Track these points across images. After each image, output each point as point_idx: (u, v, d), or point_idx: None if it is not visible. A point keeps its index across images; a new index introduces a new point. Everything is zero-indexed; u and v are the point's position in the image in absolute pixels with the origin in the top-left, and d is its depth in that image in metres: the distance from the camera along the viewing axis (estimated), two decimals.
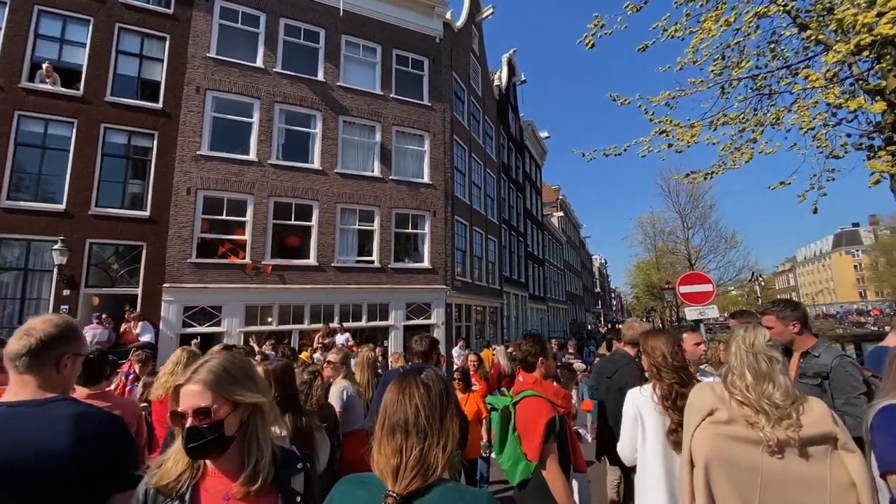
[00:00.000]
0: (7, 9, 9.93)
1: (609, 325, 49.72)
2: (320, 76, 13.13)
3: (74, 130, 10.29)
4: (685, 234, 27.52)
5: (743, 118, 6.33)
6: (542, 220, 29.72)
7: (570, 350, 10.40)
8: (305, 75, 12.89)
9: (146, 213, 10.76)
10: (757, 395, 1.37)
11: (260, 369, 2.05)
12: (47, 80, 10.18)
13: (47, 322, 1.46)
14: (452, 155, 15.24)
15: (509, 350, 7.85)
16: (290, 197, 12.26)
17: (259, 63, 12.38)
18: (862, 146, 5.96)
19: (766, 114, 6.23)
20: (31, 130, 10.02)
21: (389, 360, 8.35)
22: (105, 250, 10.48)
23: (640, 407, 2.37)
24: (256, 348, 9.35)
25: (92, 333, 9.16)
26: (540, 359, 2.57)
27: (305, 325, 11.94)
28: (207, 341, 10.33)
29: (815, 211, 6.17)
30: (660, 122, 6.56)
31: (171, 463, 1.23)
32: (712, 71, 6.25)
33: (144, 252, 10.66)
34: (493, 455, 3.54)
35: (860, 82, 5.47)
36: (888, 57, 4.73)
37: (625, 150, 6.95)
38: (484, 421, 4.60)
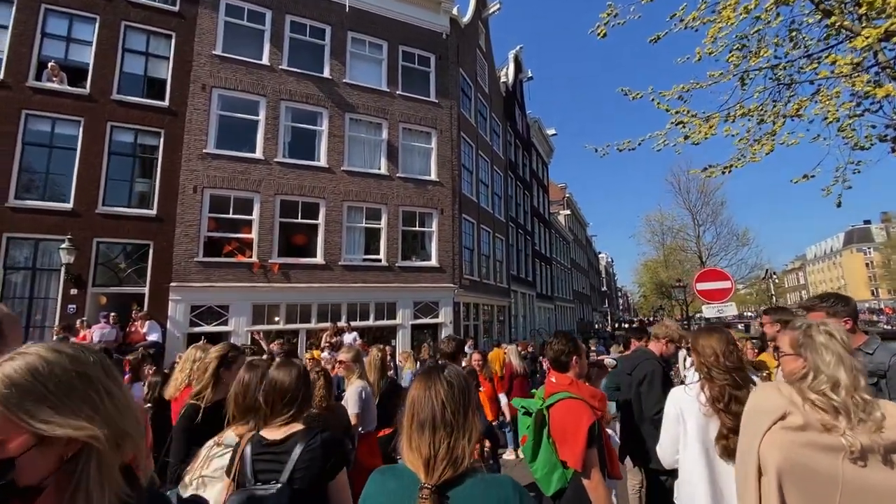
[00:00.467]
0: (14, 7, 9.91)
1: (627, 324, 49.16)
2: (326, 73, 13.03)
3: (81, 129, 10.26)
4: (696, 231, 27.14)
5: (761, 109, 6.14)
6: (549, 219, 29.49)
7: (592, 347, 10.22)
8: (311, 72, 12.79)
9: (153, 212, 10.72)
10: (845, 398, 1.22)
11: (283, 373, 1.92)
12: (54, 79, 10.15)
13: None
14: (460, 152, 15.09)
15: (520, 349, 7.69)
16: (296, 195, 12.17)
17: (265, 60, 12.29)
18: (887, 137, 5.75)
19: (785, 104, 6.04)
20: (38, 129, 9.99)
21: (398, 359, 8.22)
22: (112, 249, 10.44)
23: (684, 407, 2.20)
24: (265, 346, 9.27)
25: (99, 333, 9.13)
26: (574, 358, 2.41)
27: (313, 325, 11.85)
28: (215, 341, 10.27)
29: (839, 205, 5.96)
30: (677, 112, 6.39)
31: None
32: (729, 60, 6.06)
33: (151, 251, 10.62)
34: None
35: (887, 70, 5.27)
36: None
37: (639, 144, 6.79)
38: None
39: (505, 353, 10.72)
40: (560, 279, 32.09)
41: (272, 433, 1.75)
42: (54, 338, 8.44)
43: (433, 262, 13.76)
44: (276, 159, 12.04)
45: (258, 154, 11.89)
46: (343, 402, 3.48)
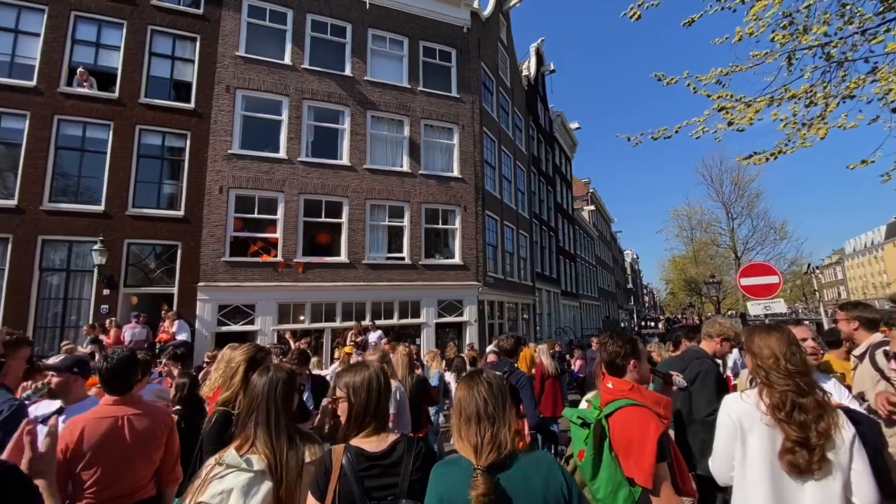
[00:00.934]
0: (45, 15, 10.16)
1: (659, 322, 47.86)
2: (348, 71, 12.96)
3: (111, 133, 10.46)
4: (730, 224, 26.03)
5: (811, 91, 5.71)
6: (572, 215, 28.90)
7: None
8: (333, 71, 12.75)
9: (181, 213, 10.85)
10: None
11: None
12: (84, 84, 10.37)
13: None
14: (482, 147, 14.82)
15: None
16: (319, 194, 12.15)
17: (287, 60, 12.31)
18: None
19: (839, 85, 5.59)
20: (70, 134, 10.23)
21: (424, 359, 8.05)
22: (142, 250, 10.63)
23: (742, 417, 1.92)
24: (293, 345, 9.26)
25: (130, 333, 9.30)
26: (632, 361, 2.16)
27: (338, 324, 11.82)
28: (242, 340, 10.37)
29: None
30: (718, 97, 6.01)
31: None
32: (774, 39, 5.64)
33: (179, 251, 10.76)
34: None
35: None
36: None
37: (676, 131, 6.43)
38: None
39: (535, 352, 10.46)
40: (585, 276, 31.44)
41: (368, 443, 1.58)
42: (86, 338, 8.61)
43: (457, 259, 13.56)
44: (299, 159, 12.04)
45: (282, 154, 11.92)
46: None
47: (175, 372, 4.41)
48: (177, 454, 2.36)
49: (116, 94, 10.60)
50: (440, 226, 13.66)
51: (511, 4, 18.44)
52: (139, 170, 10.70)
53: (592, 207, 36.77)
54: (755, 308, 6.99)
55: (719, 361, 3.85)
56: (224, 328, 10.82)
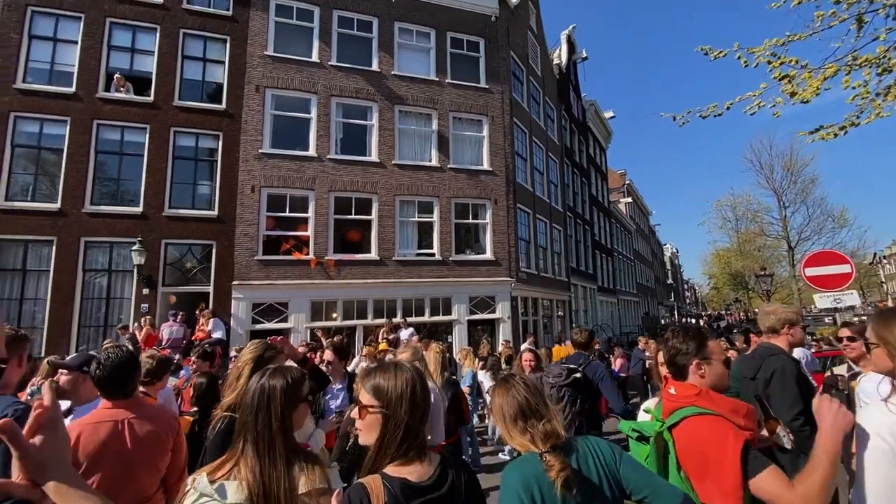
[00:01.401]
0: (82, 23, 10.49)
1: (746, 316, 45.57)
2: (375, 66, 12.80)
3: (147, 136, 10.70)
4: (781, 213, 24.28)
5: (884, 57, 5.01)
6: (608, 207, 27.84)
7: (641, 346, 9.22)
8: (360, 67, 12.62)
9: (214, 213, 10.99)
10: None
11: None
12: (121, 89, 10.65)
13: None
14: (513, 139, 14.34)
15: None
16: (349, 191, 12.06)
17: (315, 57, 12.26)
18: None
19: None
20: (108, 138, 10.53)
21: (456, 356, 7.74)
22: (179, 250, 10.83)
23: None
24: (324, 342, 9.18)
25: (168, 331, 9.45)
26: (694, 361, 1.76)
27: (369, 321, 11.70)
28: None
29: None
30: (780, 62, 5.38)
31: None
32: (840, 0, 4.97)
33: (214, 250, 10.90)
34: None
35: None
36: None
37: (727, 108, 5.84)
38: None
39: (568, 348, 9.97)
40: (623, 271, 30.27)
41: (410, 472, 1.24)
42: (123, 338, 8.80)
43: (488, 254, 13.17)
44: (328, 156, 11.98)
45: (311, 152, 11.89)
46: None
47: (193, 368, 4.27)
48: (184, 461, 2.13)
49: (152, 97, 10.83)
50: (470, 220, 13.31)
51: None
52: (174, 171, 10.90)
53: (629, 200, 35.39)
54: (823, 301, 6.24)
55: (800, 356, 3.33)
56: (258, 326, 10.89)
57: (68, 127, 10.16)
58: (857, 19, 5.08)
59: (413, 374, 1.31)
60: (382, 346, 9.41)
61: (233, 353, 7.26)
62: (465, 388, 6.47)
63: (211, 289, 10.79)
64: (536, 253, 15.54)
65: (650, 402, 1.97)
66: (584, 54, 23.01)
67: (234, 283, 10.82)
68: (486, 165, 13.54)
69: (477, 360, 10.62)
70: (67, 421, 2.24)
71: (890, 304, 19.74)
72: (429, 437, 2.82)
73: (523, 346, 10.90)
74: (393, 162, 12.50)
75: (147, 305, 10.18)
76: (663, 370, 2.03)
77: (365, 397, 1.31)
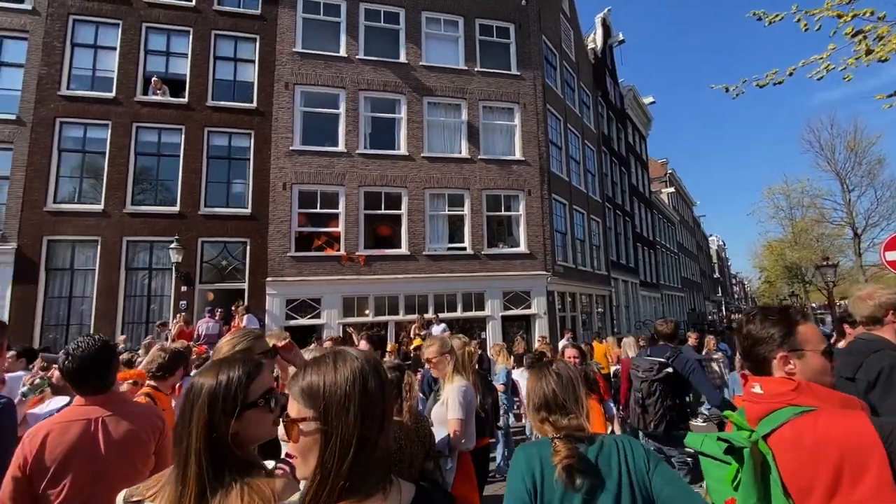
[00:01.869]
0: (120, 29, 10.82)
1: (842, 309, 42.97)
2: (402, 58, 12.57)
3: (183, 136, 10.93)
4: (846, 196, 22.23)
5: None
6: (650, 198, 26.52)
7: (711, 346, 8.47)
8: (388, 59, 12.43)
9: (248, 211, 11.10)
10: None
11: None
12: (158, 92, 10.93)
13: None
14: (546, 127, 13.74)
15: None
16: (379, 185, 11.90)
17: (342, 52, 12.17)
18: None
19: None
20: (146, 140, 10.83)
21: (489, 353, 7.34)
22: (215, 248, 11.01)
23: None
24: (355, 339, 9.05)
25: (204, 327, 9.58)
26: (779, 354, 1.32)
27: (401, 317, 11.51)
28: (309, 334, 10.40)
29: None
30: (853, 15, 4.70)
31: None
32: None
33: (248, 248, 11.01)
34: None
35: None
36: None
37: (790, 74, 5.17)
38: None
39: (609, 344, 9.33)
40: (666, 265, 28.80)
41: None
42: (161, 333, 8.99)
43: (522, 247, 12.67)
44: (357, 151, 11.87)
45: (341, 147, 11.81)
46: (433, 412, 2.67)
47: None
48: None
49: (186, 99, 11.05)
50: (503, 213, 12.86)
51: None
52: (209, 170, 11.09)
53: (672, 189, 33.67)
54: None
55: None
56: (292, 322, 10.92)
57: (109, 130, 10.52)
58: None
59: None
60: (416, 342, 9.17)
61: None
62: (499, 386, 6.08)
63: (246, 285, 10.91)
64: (574, 246, 14.88)
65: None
66: (621, 37, 21.92)
67: (267, 279, 10.89)
68: (518, 155, 13.04)
69: (512, 357, 10.18)
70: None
71: None
72: (462, 441, 2.51)
73: (561, 343, 10.37)
74: (422, 155, 12.24)
75: (185, 302, 10.40)
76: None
77: (294, 407, 0.85)
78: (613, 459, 1.36)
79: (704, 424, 4.54)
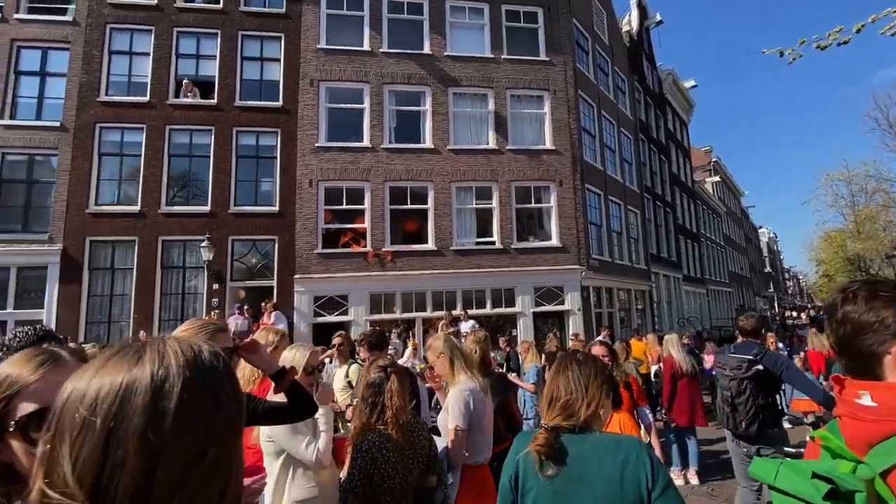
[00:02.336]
0: (153, 35, 11.12)
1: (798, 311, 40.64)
2: (427, 49, 12.30)
3: (213, 137, 11.12)
4: None
5: None
6: (693, 188, 25.07)
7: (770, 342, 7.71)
8: (412, 51, 12.21)
9: (275, 209, 11.18)
10: None
11: None
12: (189, 94, 11.17)
13: None
14: (578, 114, 13.10)
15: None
16: (404, 180, 11.71)
17: (366, 46, 12.05)
18: None
19: None
20: (179, 142, 11.09)
21: (519, 350, 6.95)
22: (245, 246, 11.16)
23: None
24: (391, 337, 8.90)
25: (234, 324, 9.67)
26: (893, 347, 0.92)
27: (428, 313, 11.27)
28: (335, 330, 10.34)
29: None
30: None
31: None
32: None
33: (276, 245, 11.08)
34: None
35: None
36: None
37: (857, 31, 4.51)
38: None
39: (649, 344, 8.71)
40: (712, 258, 27.19)
41: None
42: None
43: (554, 241, 12.14)
44: (382, 146, 11.72)
45: (365, 142, 11.70)
46: (439, 419, 2.35)
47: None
48: None
49: (215, 100, 11.24)
50: (533, 205, 12.37)
51: None
52: (238, 170, 11.24)
53: (717, 178, 31.77)
54: None
55: None
56: (320, 319, 10.91)
57: (144, 133, 10.84)
58: None
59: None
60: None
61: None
62: (528, 386, 5.70)
63: (275, 283, 10.98)
64: (610, 238, 14.16)
65: (827, 432, 1.13)
66: (658, 18, 20.75)
67: (295, 276, 10.92)
68: (548, 144, 12.49)
69: (543, 355, 9.72)
70: None
71: None
72: (466, 453, 2.17)
73: (597, 340, 9.82)
74: (448, 147, 11.93)
75: (217, 300, 10.58)
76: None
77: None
78: (604, 460, 1.28)
79: (792, 428, 4.17)
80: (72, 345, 3.59)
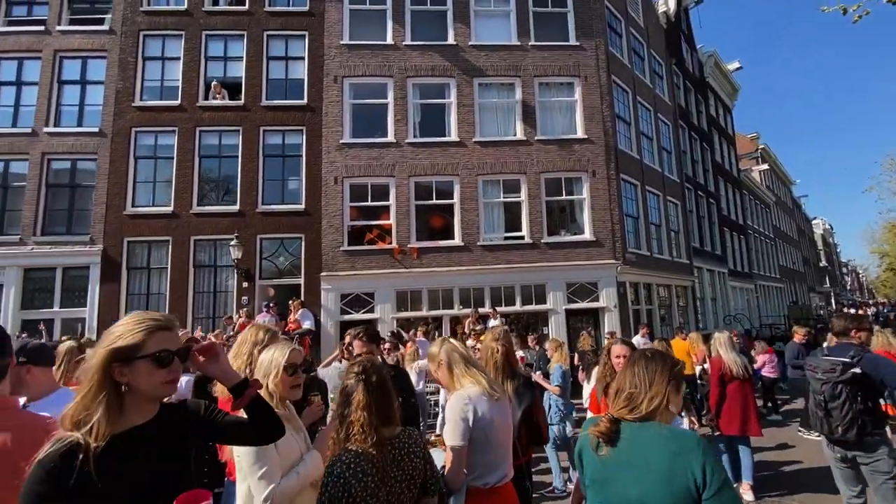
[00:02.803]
0: (183, 39, 11.36)
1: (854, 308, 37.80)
2: (451, 39, 11.98)
3: (240, 137, 11.24)
4: None
5: None
6: (738, 177, 23.54)
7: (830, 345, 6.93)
8: (435, 42, 11.92)
9: (301, 206, 11.18)
10: None
11: None
12: (217, 96, 11.34)
13: None
14: (611, 100, 12.42)
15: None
16: (429, 175, 11.45)
17: (389, 39, 11.86)
18: None
19: None
20: (209, 143, 11.29)
21: (547, 348, 6.52)
22: (273, 244, 11.23)
23: None
24: (405, 335, 8.68)
25: (262, 321, 9.72)
26: None
27: (456, 311, 10.97)
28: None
29: None
30: None
31: None
32: None
33: (303, 243, 11.09)
34: None
35: None
36: None
37: None
38: None
39: (693, 342, 8.04)
40: (760, 252, 25.48)
41: None
42: (227, 328, 9.24)
43: (587, 234, 11.55)
44: (406, 140, 11.51)
45: (390, 137, 11.52)
46: (444, 431, 2.04)
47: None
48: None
49: (242, 100, 11.36)
50: (564, 197, 11.82)
51: None
52: (265, 169, 11.32)
53: (765, 167, 29.75)
54: None
55: None
56: (347, 317, 10.82)
57: (176, 136, 11.09)
58: None
59: None
60: (477, 338, 8.56)
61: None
62: (553, 388, 5.29)
63: (302, 280, 10.99)
64: (648, 231, 13.38)
65: None
66: None
67: (321, 274, 10.88)
68: (580, 133, 11.90)
69: (576, 355, 9.21)
70: None
71: None
72: (468, 475, 1.84)
73: (634, 341, 9.19)
74: (474, 140, 11.57)
75: (247, 298, 10.69)
76: None
77: None
78: (655, 449, 1.34)
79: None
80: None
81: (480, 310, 10.21)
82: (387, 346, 7.50)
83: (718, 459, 1.35)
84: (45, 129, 10.92)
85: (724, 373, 4.68)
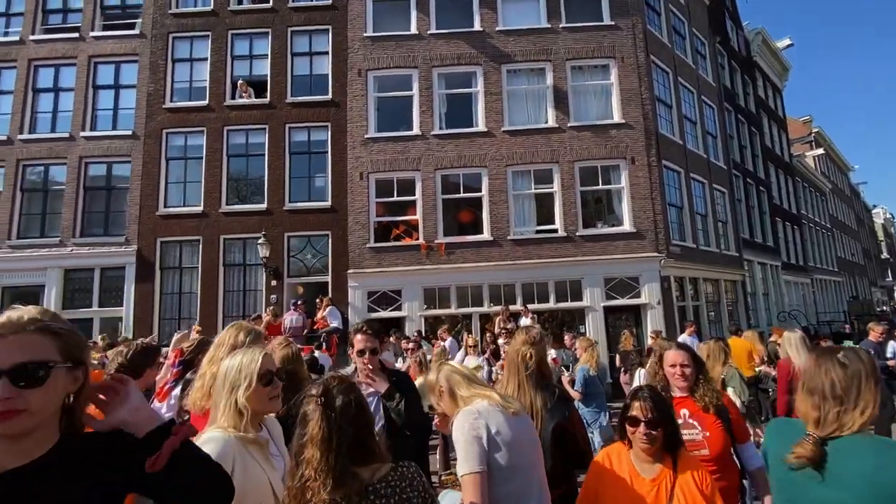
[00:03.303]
0: (210, 40, 11.42)
1: None
2: (477, 26, 11.52)
3: (267, 135, 11.19)
4: None
5: None
6: (790, 163, 21.84)
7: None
8: (461, 29, 11.49)
9: (328, 203, 11.03)
10: None
11: None
12: (244, 95, 11.33)
13: None
14: (650, 82, 11.59)
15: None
16: (456, 167, 11.05)
17: (413, 29, 11.53)
18: None
19: None
20: (236, 142, 11.30)
21: (577, 348, 5.92)
22: (300, 242, 11.13)
23: None
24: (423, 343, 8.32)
25: (289, 320, 9.62)
26: None
27: (485, 308, 10.53)
28: (391, 326, 9.94)
29: None
30: None
31: None
32: None
33: (330, 240, 10.93)
34: None
35: None
36: None
37: None
38: None
39: (755, 344, 7.23)
40: (816, 243, 23.60)
41: None
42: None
43: (626, 226, 10.82)
44: (432, 133, 11.14)
45: (415, 130, 11.19)
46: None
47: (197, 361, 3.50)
48: None
49: (268, 98, 11.31)
50: (600, 187, 11.14)
51: None
52: (292, 166, 11.23)
53: (820, 151, 27.57)
54: None
55: None
56: (374, 314, 10.56)
57: (205, 136, 11.16)
58: None
59: None
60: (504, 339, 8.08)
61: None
62: (574, 393, 4.74)
63: (329, 278, 10.84)
64: (693, 222, 12.45)
65: None
66: None
67: (348, 271, 10.68)
68: (617, 118, 11.17)
69: (617, 356, 8.58)
70: None
71: None
72: None
73: (681, 338, 8.42)
74: (502, 129, 11.07)
75: (276, 296, 10.62)
76: None
77: None
78: (857, 460, 1.26)
79: None
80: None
81: (511, 307, 9.70)
82: (410, 345, 7.22)
83: None
84: (82, 134, 11.22)
85: (793, 377, 4.03)
